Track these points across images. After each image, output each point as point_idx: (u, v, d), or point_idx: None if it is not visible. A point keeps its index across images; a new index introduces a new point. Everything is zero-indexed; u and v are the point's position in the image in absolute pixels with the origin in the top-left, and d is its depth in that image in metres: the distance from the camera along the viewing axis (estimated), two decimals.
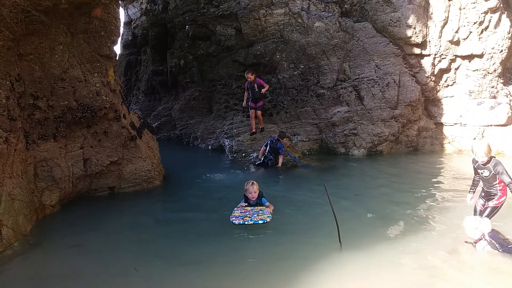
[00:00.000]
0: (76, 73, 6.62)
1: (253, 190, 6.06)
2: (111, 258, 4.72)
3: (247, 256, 4.74)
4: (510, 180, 4.90)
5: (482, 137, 11.36)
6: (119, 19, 7.25)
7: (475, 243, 4.78)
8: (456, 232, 5.09)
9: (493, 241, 4.63)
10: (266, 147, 9.88)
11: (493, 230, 4.78)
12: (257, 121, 11.52)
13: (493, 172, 5.06)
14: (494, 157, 5.18)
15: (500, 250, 4.58)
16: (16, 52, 5.84)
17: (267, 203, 6.13)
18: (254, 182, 6.19)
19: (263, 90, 11.16)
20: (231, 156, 11.19)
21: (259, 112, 11.39)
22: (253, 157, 10.48)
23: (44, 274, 4.33)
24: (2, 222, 4.99)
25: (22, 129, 5.92)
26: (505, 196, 5.21)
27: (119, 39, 8.39)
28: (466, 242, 4.87)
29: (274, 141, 9.83)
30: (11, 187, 5.33)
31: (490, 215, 5.19)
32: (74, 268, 4.45)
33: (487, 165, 5.09)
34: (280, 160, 9.71)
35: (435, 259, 4.54)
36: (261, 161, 9.82)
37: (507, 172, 4.97)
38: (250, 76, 11.04)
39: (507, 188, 5.06)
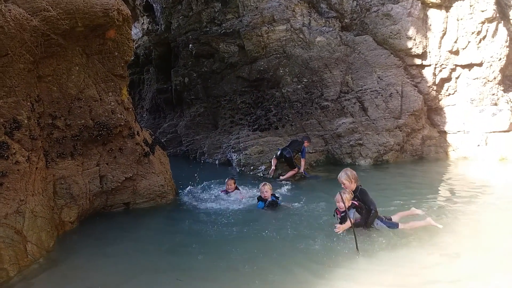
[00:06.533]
0: (91, 92, 6.81)
1: (264, 190, 7.11)
2: (140, 272, 4.79)
3: (264, 263, 4.82)
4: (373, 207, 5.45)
5: (486, 144, 11.54)
6: (132, 39, 7.48)
7: (343, 212, 5.39)
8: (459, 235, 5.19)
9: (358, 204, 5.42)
10: (277, 158, 10.00)
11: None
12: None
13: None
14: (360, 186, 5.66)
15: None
16: (35, 74, 6.03)
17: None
18: (266, 183, 7.35)
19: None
20: (239, 170, 11.32)
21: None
22: (262, 170, 10.60)
23: None
24: (27, 238, 5.11)
25: (42, 148, 6.08)
26: None
27: None
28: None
29: (291, 147, 9.92)
30: (33, 204, 5.47)
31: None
32: (102, 283, 4.53)
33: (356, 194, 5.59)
34: (303, 163, 9.82)
35: (458, 265, 4.61)
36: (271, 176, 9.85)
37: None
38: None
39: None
